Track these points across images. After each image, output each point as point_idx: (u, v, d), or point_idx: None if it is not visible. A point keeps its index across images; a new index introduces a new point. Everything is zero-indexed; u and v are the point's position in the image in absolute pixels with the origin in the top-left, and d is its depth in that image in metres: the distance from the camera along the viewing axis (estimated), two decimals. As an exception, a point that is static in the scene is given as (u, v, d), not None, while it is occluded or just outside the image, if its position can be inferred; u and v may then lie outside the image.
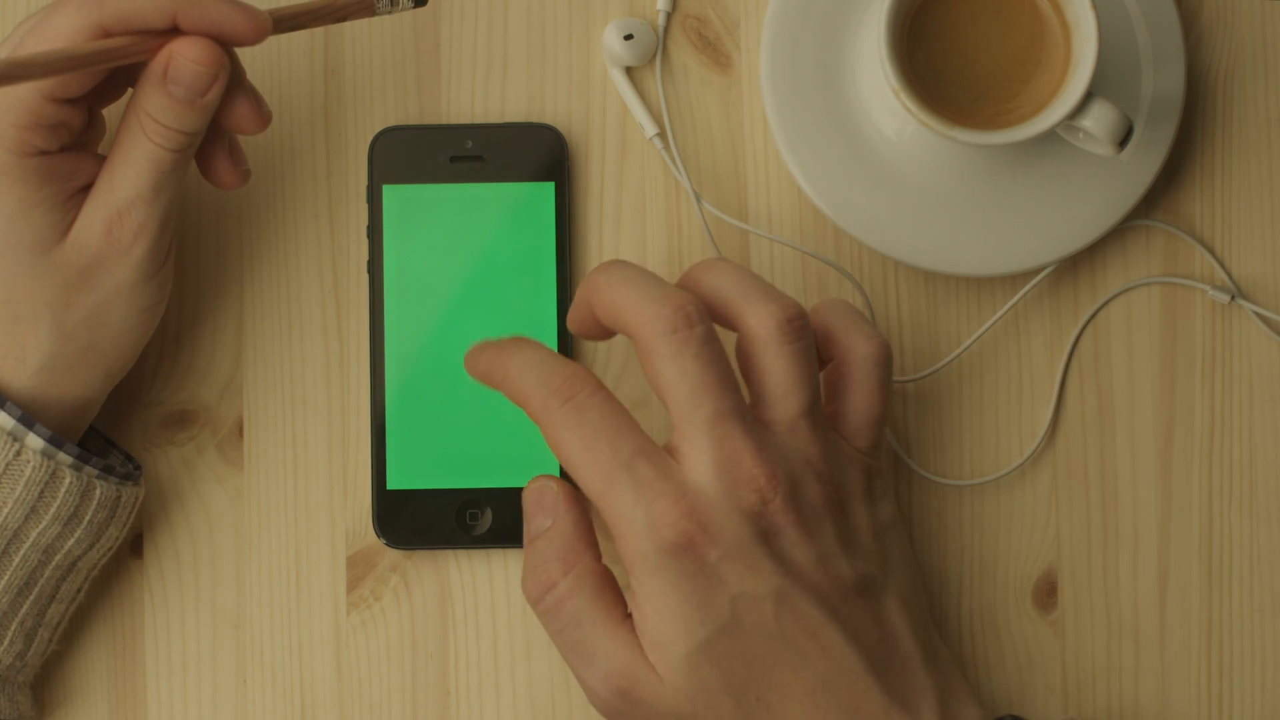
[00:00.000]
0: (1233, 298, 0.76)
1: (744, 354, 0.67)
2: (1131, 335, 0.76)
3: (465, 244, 0.75)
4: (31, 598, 0.69)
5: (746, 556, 0.65)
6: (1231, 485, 0.76)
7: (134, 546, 0.75)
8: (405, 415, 0.74)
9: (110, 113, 0.71)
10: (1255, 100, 0.77)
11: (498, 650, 0.75)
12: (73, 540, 0.69)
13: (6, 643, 0.69)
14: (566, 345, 0.75)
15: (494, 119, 0.76)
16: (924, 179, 0.74)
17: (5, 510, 0.67)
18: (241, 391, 0.75)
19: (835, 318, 0.70)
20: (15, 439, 0.66)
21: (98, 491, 0.68)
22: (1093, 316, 0.77)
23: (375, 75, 0.76)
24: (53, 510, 0.68)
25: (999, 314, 0.76)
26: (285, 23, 0.66)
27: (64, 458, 0.67)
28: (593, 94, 0.76)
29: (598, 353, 0.76)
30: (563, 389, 0.66)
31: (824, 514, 0.66)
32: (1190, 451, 0.76)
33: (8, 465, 0.66)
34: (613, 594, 0.67)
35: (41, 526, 0.68)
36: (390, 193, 0.75)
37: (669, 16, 0.76)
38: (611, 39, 0.75)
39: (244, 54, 0.74)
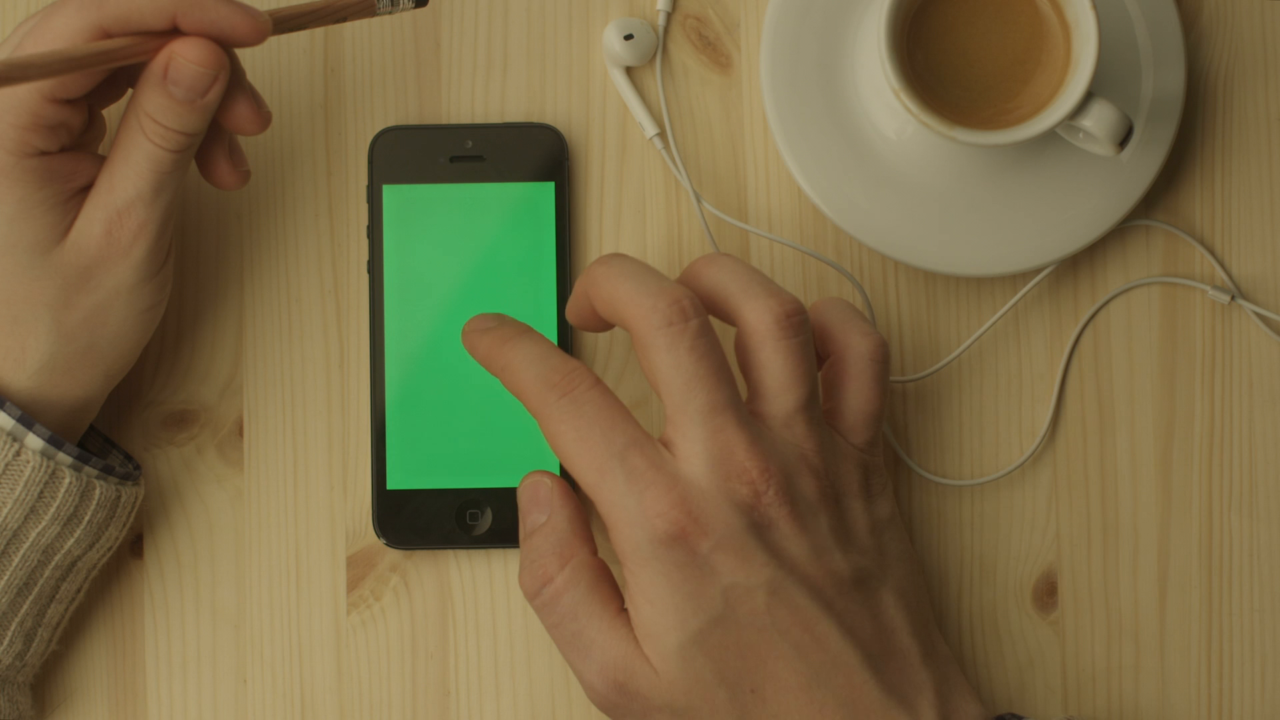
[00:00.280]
0: (1233, 298, 0.76)
1: (742, 348, 0.67)
2: (1131, 335, 0.76)
3: (465, 244, 0.75)
4: (31, 598, 0.69)
5: (739, 548, 0.65)
6: (1231, 485, 0.76)
7: (134, 546, 0.75)
8: (405, 415, 0.74)
9: (110, 113, 0.71)
10: (1255, 100, 0.77)
11: (498, 650, 0.75)
12: (72, 540, 0.69)
13: (6, 643, 0.69)
14: (566, 343, 0.75)
15: (494, 119, 0.76)
16: (924, 179, 0.74)
17: (5, 510, 0.67)
18: (241, 391, 0.76)
19: (833, 315, 0.70)
20: (15, 439, 0.66)
21: (97, 491, 0.69)
22: (1093, 316, 0.77)
23: (375, 75, 0.76)
24: (52, 510, 0.68)
25: (999, 314, 0.76)
26: (285, 23, 0.66)
27: (63, 458, 0.67)
28: (593, 94, 0.76)
29: (598, 350, 0.76)
30: (561, 383, 0.66)
31: (819, 508, 0.66)
32: (1190, 451, 0.76)
33: (7, 465, 0.66)
34: (609, 587, 0.68)
35: (41, 526, 0.68)
36: (390, 193, 0.75)
37: (669, 16, 0.76)
38: (611, 39, 0.75)
39: (244, 54, 0.74)
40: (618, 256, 0.68)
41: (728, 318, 0.68)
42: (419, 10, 0.75)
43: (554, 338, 0.74)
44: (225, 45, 0.65)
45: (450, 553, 0.75)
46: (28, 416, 0.67)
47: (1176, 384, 0.76)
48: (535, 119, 0.76)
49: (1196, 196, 0.77)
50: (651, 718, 0.67)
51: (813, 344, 0.68)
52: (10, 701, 0.70)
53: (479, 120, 0.76)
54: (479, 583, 0.75)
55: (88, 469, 0.68)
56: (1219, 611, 0.76)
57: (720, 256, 0.69)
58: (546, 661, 0.75)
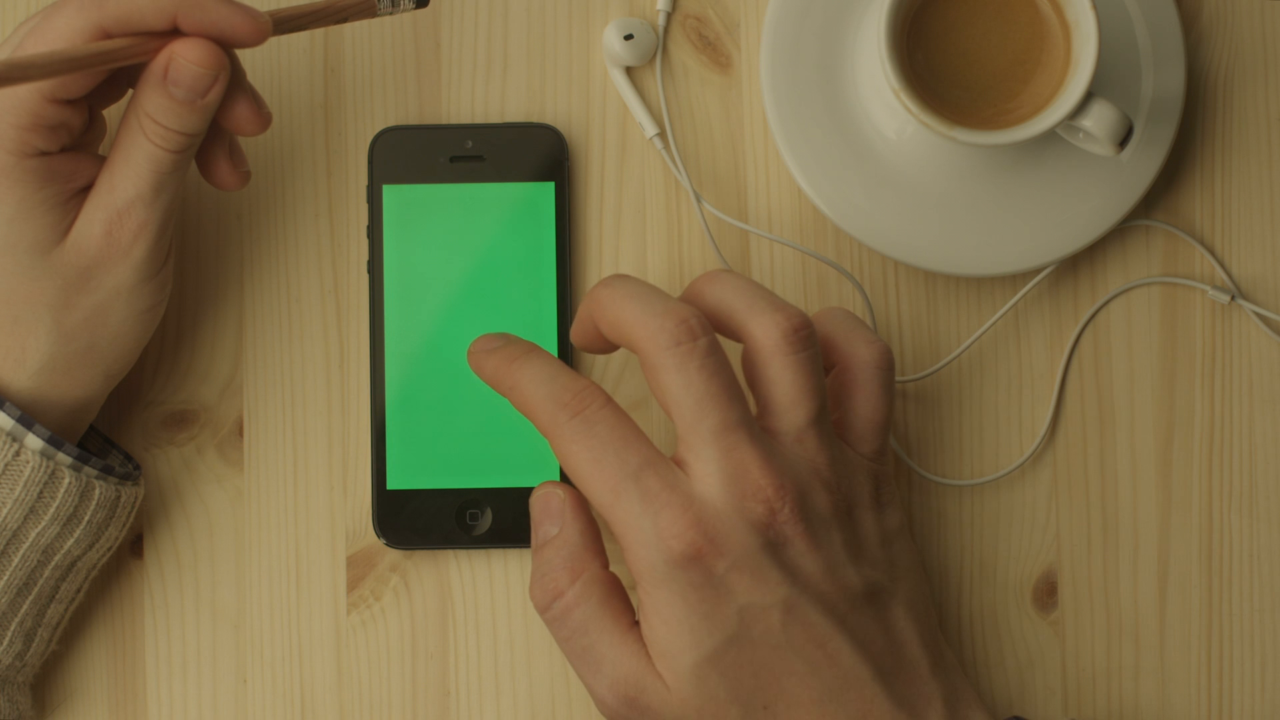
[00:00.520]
0: (1233, 298, 0.76)
1: (750, 365, 0.67)
2: (1131, 335, 0.76)
3: (465, 244, 0.75)
4: (31, 598, 0.69)
5: (754, 567, 0.64)
6: (1231, 485, 0.76)
7: (134, 546, 0.75)
8: (405, 415, 0.74)
9: (110, 113, 0.71)
10: (1255, 100, 0.77)
11: (498, 650, 0.75)
12: (72, 540, 0.69)
13: (6, 643, 0.69)
14: (566, 346, 0.75)
15: (494, 119, 0.76)
16: (924, 179, 0.74)
17: (4, 510, 0.67)
18: (241, 391, 0.75)
19: (836, 325, 0.70)
20: (14, 439, 0.66)
21: (97, 491, 0.68)
22: (1093, 316, 0.77)
23: (375, 75, 0.76)
24: (52, 510, 0.68)
25: (999, 314, 0.76)
26: (286, 24, 0.66)
27: (63, 458, 0.67)
28: (593, 94, 0.76)
29: (598, 359, 0.76)
30: (572, 403, 0.65)
31: (831, 523, 0.66)
32: (1190, 451, 0.76)
33: (7, 465, 0.66)
34: (620, 601, 0.67)
35: (41, 526, 0.68)
36: (390, 193, 0.75)
37: (669, 16, 0.76)
38: (611, 39, 0.75)
39: (244, 54, 0.74)
40: (621, 278, 0.67)
41: (734, 334, 0.68)
42: (419, 10, 0.75)
43: (554, 342, 0.74)
44: (225, 46, 0.65)
45: (450, 553, 0.75)
46: (27, 416, 0.67)
47: (1176, 384, 0.76)
48: (535, 119, 0.76)
49: (1196, 196, 0.77)
50: (663, 733, 0.67)
51: (820, 357, 0.67)
52: (10, 701, 0.70)
53: (479, 120, 0.76)
54: (479, 583, 0.75)
55: (87, 469, 0.68)
56: (1219, 611, 0.76)
57: (722, 273, 0.68)
58: (546, 662, 0.75)
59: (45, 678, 0.74)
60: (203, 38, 0.64)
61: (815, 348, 0.67)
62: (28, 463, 0.67)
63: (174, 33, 0.64)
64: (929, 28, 0.71)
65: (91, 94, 0.67)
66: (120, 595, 0.75)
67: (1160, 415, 0.76)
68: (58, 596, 0.70)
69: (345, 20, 0.67)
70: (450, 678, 0.75)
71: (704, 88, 0.76)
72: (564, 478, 0.73)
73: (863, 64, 0.74)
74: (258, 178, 0.76)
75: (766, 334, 0.66)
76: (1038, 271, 0.76)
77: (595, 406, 0.65)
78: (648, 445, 0.65)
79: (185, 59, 0.64)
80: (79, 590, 0.72)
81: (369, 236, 0.75)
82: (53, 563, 0.69)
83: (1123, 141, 0.70)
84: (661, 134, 0.76)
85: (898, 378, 0.76)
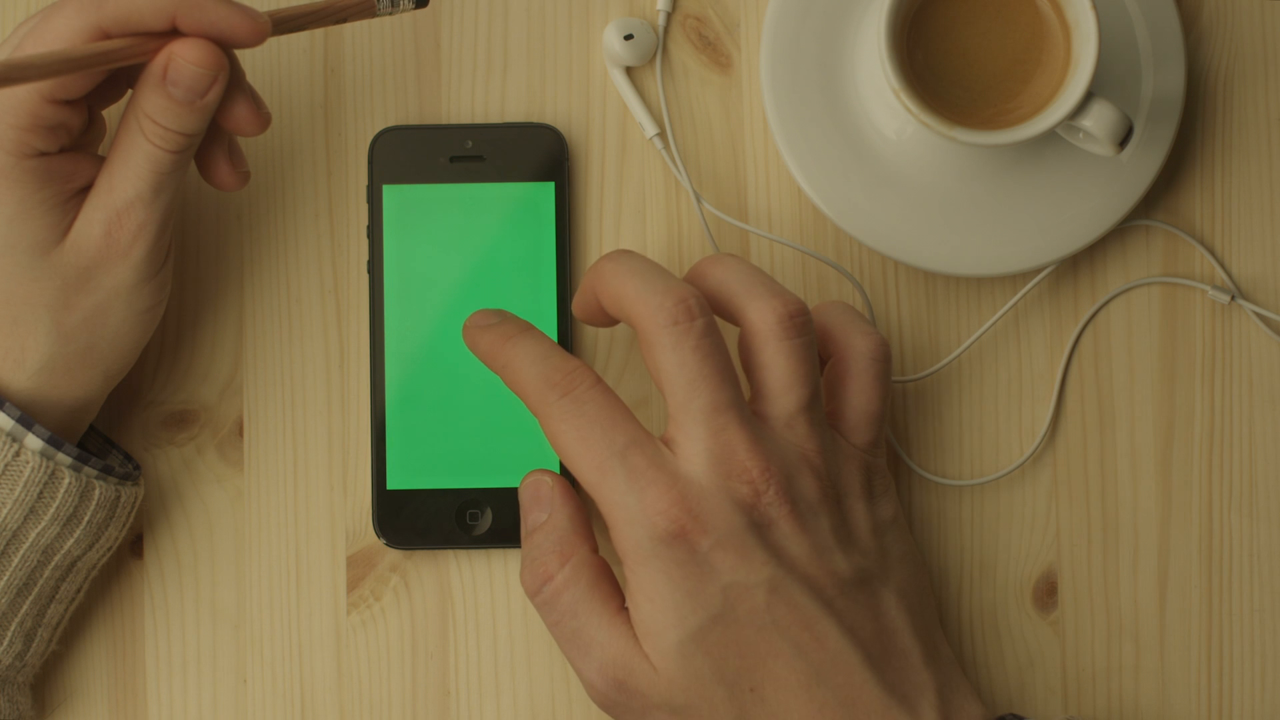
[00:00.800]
0: (1233, 298, 0.76)
1: (745, 348, 0.68)
2: (1131, 335, 0.76)
3: (465, 244, 0.75)
4: (31, 598, 0.69)
5: (738, 546, 0.65)
6: (1231, 485, 0.76)
7: (134, 546, 0.75)
8: (405, 415, 0.74)
9: (110, 114, 0.71)
10: (1255, 100, 0.77)
11: (498, 650, 0.75)
12: (72, 540, 0.69)
13: (6, 643, 0.69)
14: (567, 341, 0.75)
15: (494, 119, 0.76)
16: (924, 179, 0.74)
17: (4, 510, 0.67)
18: (241, 391, 0.76)
19: (834, 316, 0.71)
20: (14, 439, 0.66)
21: (97, 492, 0.69)
22: (1093, 316, 0.77)
23: (375, 75, 0.76)
24: (52, 510, 0.68)
25: (999, 314, 0.76)
26: (285, 24, 0.66)
27: (63, 458, 0.67)
28: (593, 94, 0.76)
29: (599, 349, 0.76)
30: (562, 382, 0.66)
31: (820, 508, 0.66)
32: (1190, 451, 0.76)
33: (7, 466, 0.66)
34: (609, 585, 0.68)
35: (41, 527, 0.68)
36: (390, 193, 0.75)
37: (669, 16, 0.76)
38: (611, 39, 0.75)
39: (244, 54, 0.74)
40: (625, 253, 0.68)
41: (732, 317, 0.68)
42: (419, 10, 0.75)
43: (554, 337, 0.74)
44: (225, 46, 0.65)
45: (450, 553, 0.75)
46: (27, 417, 0.67)
47: (1176, 384, 0.76)
48: (535, 119, 0.76)
49: (1196, 196, 0.77)
50: (650, 715, 0.67)
51: (816, 345, 0.68)
52: (10, 701, 0.70)
53: (479, 120, 0.76)
54: (479, 583, 0.75)
55: (87, 469, 0.68)
56: (1219, 611, 0.76)
57: (725, 256, 0.69)
58: (546, 661, 0.75)
59: (45, 678, 0.74)
60: (202, 38, 0.64)
61: (811, 335, 0.67)
62: (28, 463, 0.67)
63: (173, 33, 0.64)
64: (929, 28, 0.71)
65: (90, 94, 0.67)
66: (120, 595, 0.75)
67: (1160, 415, 0.76)
68: (58, 596, 0.70)
69: (345, 20, 0.67)
70: (450, 678, 0.75)
71: (704, 88, 0.76)
72: (563, 471, 0.73)
73: (863, 64, 0.74)
74: (258, 178, 0.76)
75: (763, 318, 0.67)
76: (1038, 271, 0.76)
77: (585, 386, 0.66)
78: (635, 425, 0.66)
79: (184, 59, 0.64)
80: (79, 590, 0.72)
81: (369, 236, 0.75)
82: (53, 563, 0.69)
83: (1123, 141, 0.70)
84: (661, 134, 0.76)
85: (898, 378, 0.76)
